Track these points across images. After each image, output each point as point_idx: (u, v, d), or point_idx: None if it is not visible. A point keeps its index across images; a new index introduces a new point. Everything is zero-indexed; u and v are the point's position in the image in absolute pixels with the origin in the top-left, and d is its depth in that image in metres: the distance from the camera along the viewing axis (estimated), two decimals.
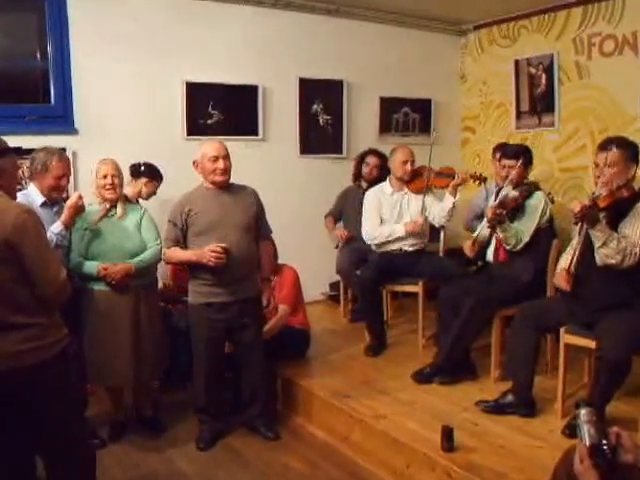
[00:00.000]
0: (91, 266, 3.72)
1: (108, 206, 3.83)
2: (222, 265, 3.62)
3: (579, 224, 3.49)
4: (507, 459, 3.22)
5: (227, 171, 3.77)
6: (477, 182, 4.89)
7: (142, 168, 4.69)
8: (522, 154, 4.39)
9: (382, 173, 5.51)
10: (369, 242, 5.01)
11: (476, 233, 4.37)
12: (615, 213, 3.43)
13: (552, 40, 6.09)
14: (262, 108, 5.82)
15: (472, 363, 4.34)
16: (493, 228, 4.24)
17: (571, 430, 3.32)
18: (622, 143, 3.48)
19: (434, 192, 4.98)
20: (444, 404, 3.91)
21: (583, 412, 1.63)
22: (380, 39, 6.44)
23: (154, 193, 4.76)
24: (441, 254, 5.25)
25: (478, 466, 3.17)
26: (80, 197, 3.58)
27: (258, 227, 3.94)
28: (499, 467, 3.15)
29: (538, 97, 6.27)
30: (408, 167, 4.87)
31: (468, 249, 4.39)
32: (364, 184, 5.70)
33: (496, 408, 3.74)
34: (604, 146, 3.50)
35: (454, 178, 4.70)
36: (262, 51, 5.77)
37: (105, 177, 3.78)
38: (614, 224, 3.42)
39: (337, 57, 6.19)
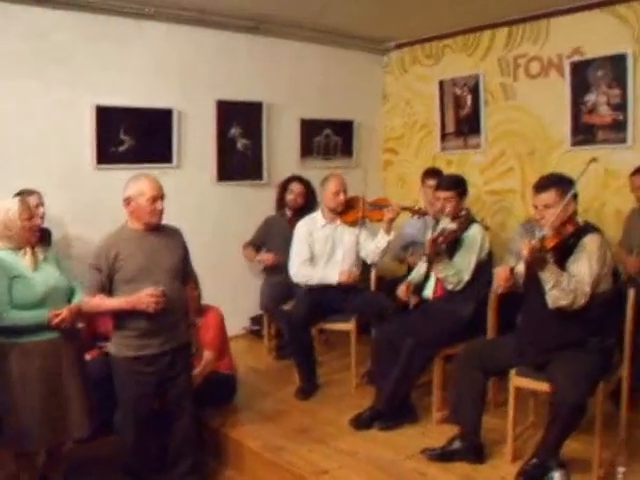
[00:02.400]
0: (35, 316, 3.27)
1: (31, 249, 3.38)
2: (160, 310, 3.29)
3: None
4: None
5: (163, 212, 3.46)
6: (417, 217, 4.74)
7: None
8: (458, 185, 4.31)
9: (308, 200, 5.27)
10: (296, 281, 4.73)
11: (410, 277, 4.32)
12: (562, 250, 3.31)
13: (477, 60, 6.01)
14: (177, 133, 5.45)
15: (412, 405, 4.12)
16: (431, 262, 4.08)
17: (525, 476, 3.10)
18: (555, 181, 3.38)
19: (367, 226, 4.76)
20: (387, 453, 3.68)
21: (557, 475, 1.56)
22: (301, 58, 6.20)
23: None
24: (372, 288, 4.99)
25: None
26: None
27: (184, 270, 3.64)
28: None
29: (464, 118, 6.17)
30: (341, 197, 4.64)
31: (403, 293, 4.33)
32: (288, 212, 5.44)
33: (443, 456, 3.54)
34: (537, 188, 3.40)
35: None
36: (178, 71, 5.43)
37: (30, 219, 3.35)
38: (562, 262, 3.31)
39: (256, 77, 5.90)
